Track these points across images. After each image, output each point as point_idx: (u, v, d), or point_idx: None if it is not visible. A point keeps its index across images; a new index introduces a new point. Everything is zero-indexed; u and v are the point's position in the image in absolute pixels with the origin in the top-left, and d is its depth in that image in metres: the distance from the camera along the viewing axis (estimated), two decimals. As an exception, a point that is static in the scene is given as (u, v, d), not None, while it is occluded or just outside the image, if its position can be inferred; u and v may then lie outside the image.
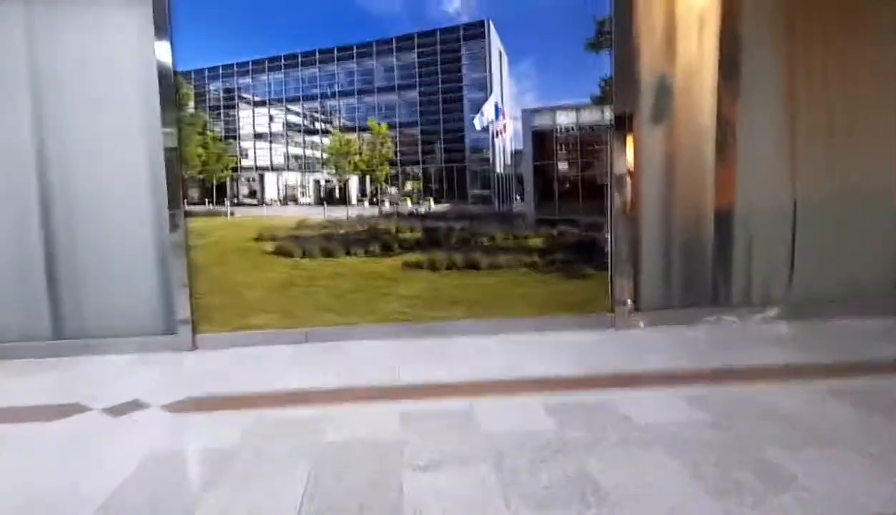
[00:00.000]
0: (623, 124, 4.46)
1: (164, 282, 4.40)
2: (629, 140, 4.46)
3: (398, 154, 9.01)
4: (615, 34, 4.45)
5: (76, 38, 4.31)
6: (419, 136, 9.06)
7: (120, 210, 4.40)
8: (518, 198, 6.86)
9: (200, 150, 5.27)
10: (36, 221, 4.35)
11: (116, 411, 3.17)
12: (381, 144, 9.17)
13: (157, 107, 4.27)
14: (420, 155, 8.92)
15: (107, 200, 4.38)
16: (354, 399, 3.15)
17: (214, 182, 6.05)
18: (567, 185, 5.58)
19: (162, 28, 4.25)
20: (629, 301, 4.50)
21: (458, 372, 3.53)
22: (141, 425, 2.97)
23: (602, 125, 4.80)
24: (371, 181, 8.46)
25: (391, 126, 8.36)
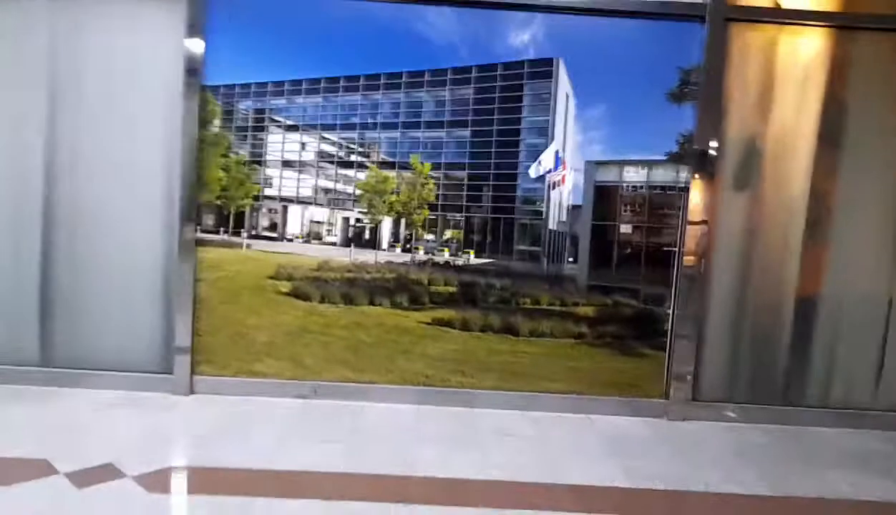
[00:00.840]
0: (700, 187, 4.45)
1: (166, 316, 4.44)
2: (705, 206, 4.43)
3: (440, 198, 9.20)
4: (702, 86, 4.49)
5: (99, 37, 4.35)
6: (465, 181, 9.24)
7: (126, 231, 4.46)
8: (570, 259, 6.90)
9: (221, 174, 5.50)
10: (37, 237, 4.40)
11: (83, 479, 3.06)
12: (422, 185, 9.40)
13: (178, 121, 4.35)
14: (464, 201, 9.08)
15: (113, 219, 4.44)
16: (356, 495, 3.03)
17: (233, 210, 6.26)
18: (628, 250, 5.64)
19: (194, 35, 4.31)
20: (687, 388, 4.45)
21: (484, 464, 3.43)
22: (106, 503, 2.84)
23: (675, 186, 4.84)
24: (406, 225, 8.61)
25: (435, 166, 8.56)
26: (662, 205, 5.20)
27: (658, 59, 4.76)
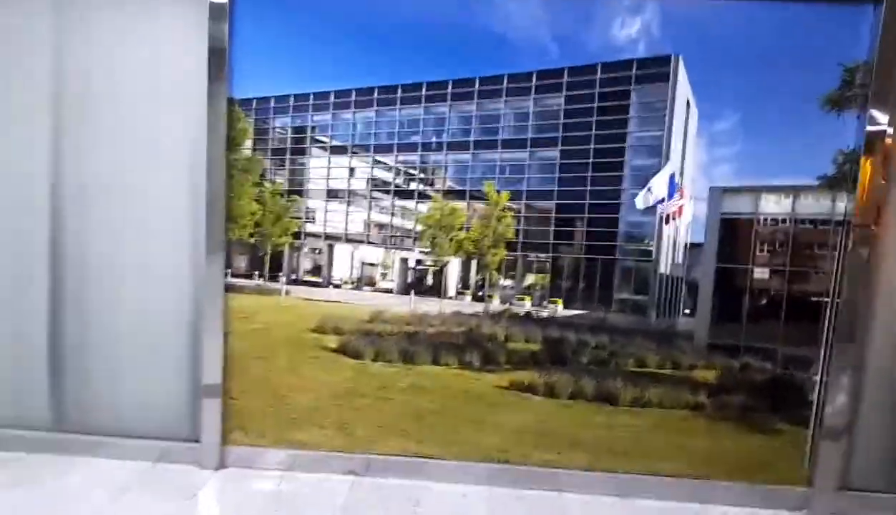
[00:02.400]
0: (866, 222, 4.24)
1: (192, 374, 4.59)
2: (871, 245, 4.27)
3: (520, 234, 9.36)
4: (873, 88, 4.20)
5: (107, 40, 4.53)
6: (553, 213, 9.35)
7: (143, 274, 4.60)
8: (686, 310, 6.88)
9: (255, 206, 5.74)
10: (44, 280, 4.61)
11: None
12: (498, 219, 9.64)
13: (202, 141, 4.43)
14: (551, 238, 9.21)
15: (129, 260, 4.59)
16: None
17: (269, 249, 6.55)
18: (763, 300, 5.50)
19: (218, 36, 4.37)
20: (836, 473, 4.35)
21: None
22: None
23: (829, 219, 4.78)
24: (478, 267, 8.85)
25: (515, 195, 8.71)
26: (811, 243, 5.00)
27: (810, 53, 4.41)
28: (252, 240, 5.53)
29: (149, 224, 4.60)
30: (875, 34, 4.22)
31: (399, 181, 7.81)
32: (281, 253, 6.23)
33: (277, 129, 6.04)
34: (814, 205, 4.99)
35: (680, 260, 6.40)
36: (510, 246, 6.61)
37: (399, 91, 7.20)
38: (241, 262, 5.55)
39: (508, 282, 7.21)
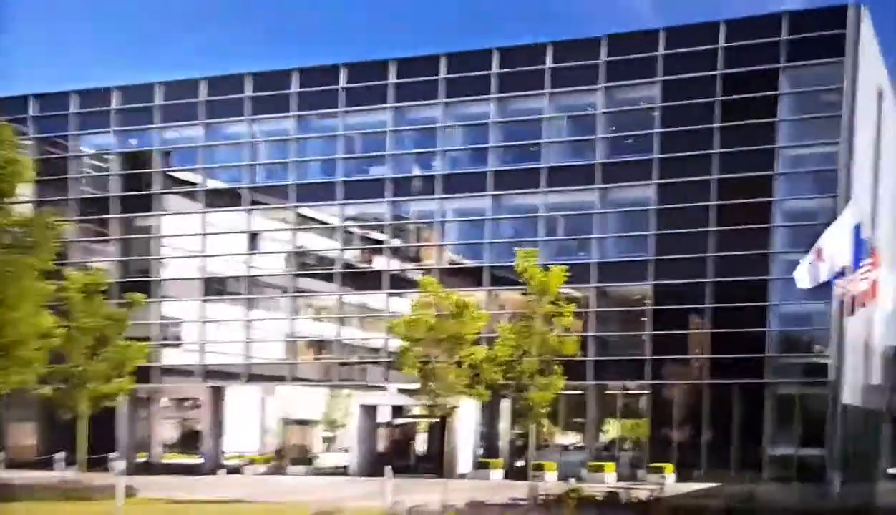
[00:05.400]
0: None
1: None
2: None
3: (590, 346, 9.77)
4: None
5: None
6: (648, 304, 9.73)
7: None
8: (891, 470, 6.93)
9: (48, 321, 5.32)
10: None
11: None
12: (548, 320, 9.76)
13: None
14: (648, 351, 9.45)
15: None
16: None
17: (85, 407, 6.08)
18: None
19: None
20: None
21: None
22: None
23: None
24: (514, 414, 8.95)
25: (576, 274, 8.75)
26: None
27: None
28: (48, 391, 4.92)
29: None
30: None
31: (352, 255, 7.43)
32: (112, 413, 5.59)
33: (90, 160, 5.46)
34: None
35: (878, 380, 6.34)
36: (571, 368, 6.30)
37: (344, 76, 6.83)
38: (27, 435, 4.94)
39: (572, 440, 7.05)
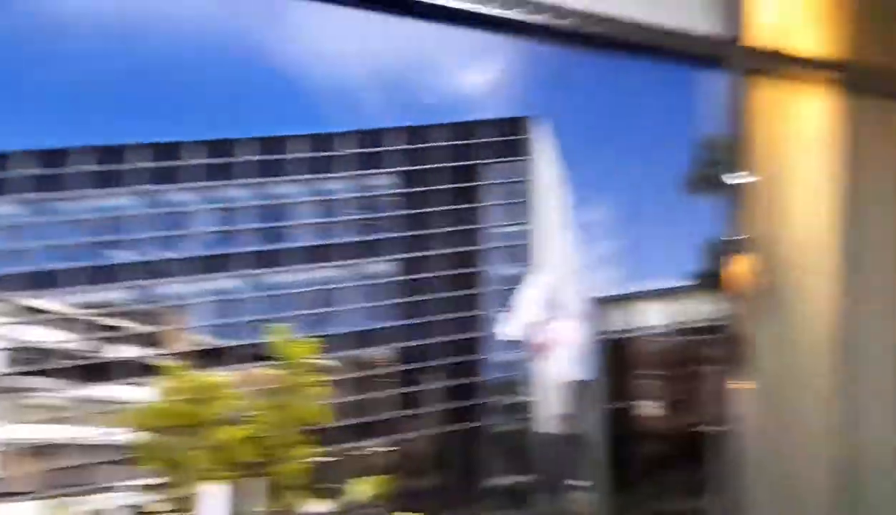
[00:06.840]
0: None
1: None
2: None
3: (341, 412, 9.65)
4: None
5: None
6: (393, 364, 9.84)
7: None
8: (576, 483, 7.15)
9: None
10: None
11: None
12: (298, 391, 9.63)
13: None
14: (391, 408, 9.47)
15: None
16: None
17: None
18: (664, 446, 5.64)
19: None
20: None
21: None
22: None
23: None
24: (272, 491, 8.65)
25: (328, 343, 8.75)
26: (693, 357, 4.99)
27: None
28: None
29: None
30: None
31: (78, 346, 6.86)
32: None
33: None
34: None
35: (565, 409, 6.27)
36: (320, 434, 5.95)
37: (70, 160, 6.43)
38: None
39: (320, 509, 6.61)
